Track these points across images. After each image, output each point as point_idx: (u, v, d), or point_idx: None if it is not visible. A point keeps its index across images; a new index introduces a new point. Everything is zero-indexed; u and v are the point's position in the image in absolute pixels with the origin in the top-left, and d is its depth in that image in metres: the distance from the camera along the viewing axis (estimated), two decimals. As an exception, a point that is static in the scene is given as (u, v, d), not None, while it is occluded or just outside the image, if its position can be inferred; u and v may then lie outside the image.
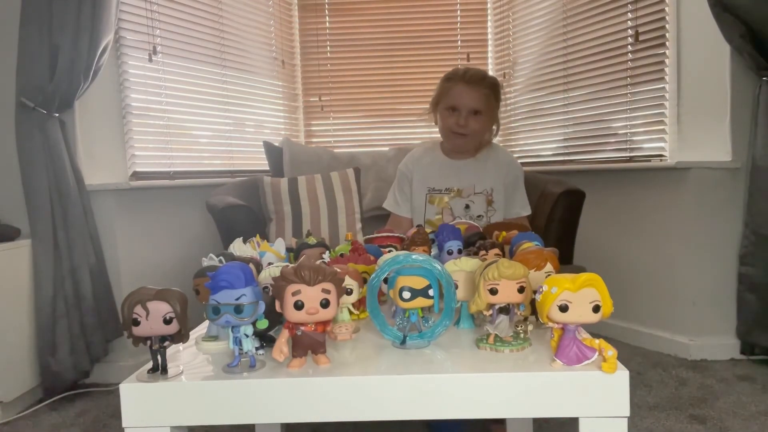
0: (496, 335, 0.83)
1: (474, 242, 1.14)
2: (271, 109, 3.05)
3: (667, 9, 2.30)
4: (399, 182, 1.91)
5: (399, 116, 3.21)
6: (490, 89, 1.76)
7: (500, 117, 1.90)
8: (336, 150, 2.89)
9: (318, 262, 0.86)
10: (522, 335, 0.85)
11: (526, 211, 1.85)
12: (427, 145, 1.96)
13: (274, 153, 2.57)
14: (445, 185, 1.81)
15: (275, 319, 0.82)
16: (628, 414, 0.73)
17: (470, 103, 1.73)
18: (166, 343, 0.77)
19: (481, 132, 1.80)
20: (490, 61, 3.21)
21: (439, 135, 1.90)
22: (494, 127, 1.86)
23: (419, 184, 1.85)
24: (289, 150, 2.56)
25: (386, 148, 2.80)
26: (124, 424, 0.76)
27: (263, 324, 0.79)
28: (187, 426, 0.77)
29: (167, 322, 0.74)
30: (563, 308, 0.73)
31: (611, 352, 0.72)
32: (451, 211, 1.79)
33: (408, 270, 0.83)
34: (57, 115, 2.03)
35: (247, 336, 0.77)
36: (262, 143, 2.61)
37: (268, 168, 2.60)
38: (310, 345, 0.79)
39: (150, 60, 2.37)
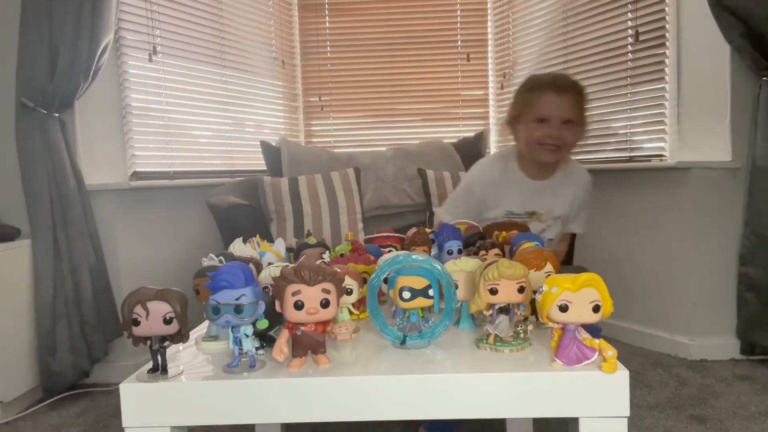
0: (496, 335, 0.83)
1: (474, 242, 1.14)
2: (271, 109, 3.05)
3: (667, 9, 2.30)
4: (467, 199, 1.74)
5: (399, 116, 3.22)
6: (580, 95, 1.61)
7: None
8: (335, 150, 2.89)
9: (318, 262, 0.85)
10: (522, 335, 0.85)
11: (581, 229, 1.76)
12: (502, 160, 1.75)
13: (271, 152, 2.57)
14: (524, 209, 1.67)
15: (275, 319, 0.81)
16: (628, 414, 0.73)
17: (562, 113, 1.55)
18: (166, 343, 0.77)
19: (574, 143, 1.63)
20: (490, 61, 3.22)
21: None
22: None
23: (494, 205, 1.69)
24: (287, 150, 2.56)
25: (384, 148, 2.80)
26: (124, 424, 0.76)
27: (263, 324, 0.79)
28: (187, 426, 0.77)
29: (167, 322, 0.74)
30: (563, 308, 0.72)
31: (611, 352, 0.72)
32: None
33: (408, 270, 0.83)
34: (57, 115, 2.03)
35: (247, 336, 0.77)
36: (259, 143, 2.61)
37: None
38: (310, 345, 0.79)
39: (150, 60, 2.37)
